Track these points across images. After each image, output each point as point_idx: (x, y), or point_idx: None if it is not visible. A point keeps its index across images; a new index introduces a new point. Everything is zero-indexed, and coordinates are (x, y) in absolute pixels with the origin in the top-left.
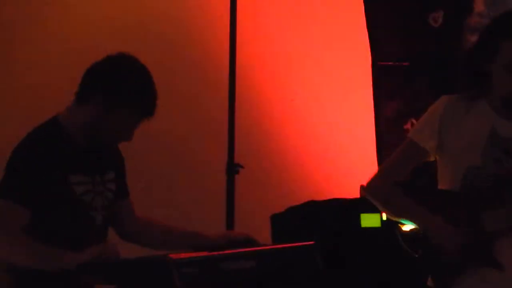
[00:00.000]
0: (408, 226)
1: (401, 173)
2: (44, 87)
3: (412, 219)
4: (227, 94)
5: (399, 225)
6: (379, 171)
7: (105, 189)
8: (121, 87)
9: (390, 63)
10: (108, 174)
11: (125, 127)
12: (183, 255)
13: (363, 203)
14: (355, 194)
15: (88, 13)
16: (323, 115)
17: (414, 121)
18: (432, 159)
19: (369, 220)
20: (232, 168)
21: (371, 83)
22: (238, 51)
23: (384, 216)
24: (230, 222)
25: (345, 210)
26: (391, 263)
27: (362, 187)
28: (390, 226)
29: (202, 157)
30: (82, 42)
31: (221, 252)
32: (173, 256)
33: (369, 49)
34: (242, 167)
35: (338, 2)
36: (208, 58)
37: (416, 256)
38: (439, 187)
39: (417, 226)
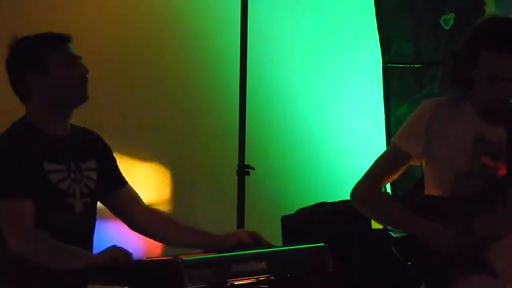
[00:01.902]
0: (399, 233)
1: (387, 180)
2: None
3: (404, 226)
4: (238, 97)
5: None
6: (364, 178)
7: (84, 177)
8: (28, 52)
9: (401, 65)
10: (87, 162)
11: (67, 66)
12: (194, 256)
13: None
14: None
15: (93, 13)
16: (334, 117)
17: None
18: (417, 164)
19: None
20: (243, 170)
21: (381, 84)
22: (249, 54)
23: None
24: (240, 223)
25: (355, 212)
26: (401, 266)
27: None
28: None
29: (213, 159)
30: (87, 42)
31: (231, 254)
32: (184, 257)
33: (379, 51)
34: (252, 168)
35: (349, 3)
36: (219, 61)
37: (409, 263)
38: (426, 192)
39: (408, 233)
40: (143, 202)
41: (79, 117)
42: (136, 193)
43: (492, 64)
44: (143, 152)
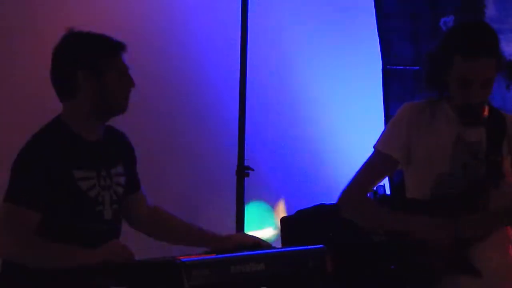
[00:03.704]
0: (381, 237)
1: (373, 185)
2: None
3: (396, 226)
4: (238, 97)
5: (371, 237)
6: (350, 185)
7: (113, 184)
8: (83, 52)
9: (400, 67)
10: (116, 168)
11: (119, 75)
12: (193, 257)
13: None
14: None
15: (92, 12)
16: (333, 119)
17: None
18: (401, 167)
19: None
20: (242, 171)
21: (381, 87)
22: (249, 55)
23: None
24: (240, 224)
25: None
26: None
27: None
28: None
29: (212, 160)
30: None
31: (231, 255)
32: (183, 258)
33: (379, 53)
34: (252, 170)
35: (349, 5)
36: (219, 61)
37: (392, 267)
38: (407, 195)
39: (403, 232)
40: (146, 201)
41: None
42: (144, 194)
43: (463, 68)
44: (141, 152)
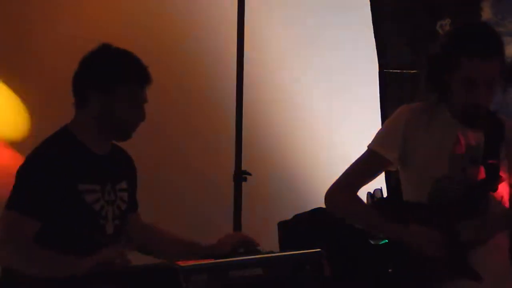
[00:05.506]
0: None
1: (361, 184)
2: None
3: (383, 231)
4: (235, 101)
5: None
6: (339, 182)
7: (117, 199)
8: (107, 68)
9: (397, 70)
10: (121, 183)
11: (133, 104)
12: (191, 262)
13: None
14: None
15: (95, 11)
16: (331, 123)
17: None
18: (393, 169)
19: None
20: (240, 176)
21: (378, 91)
22: (245, 58)
23: None
24: (237, 229)
25: None
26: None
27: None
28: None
29: (210, 165)
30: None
31: (228, 260)
32: (181, 263)
33: (376, 57)
34: (249, 174)
35: (346, 9)
36: (216, 65)
37: (390, 270)
38: (405, 198)
39: (387, 237)
40: (141, 221)
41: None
42: (139, 214)
43: (469, 69)
44: (138, 156)
